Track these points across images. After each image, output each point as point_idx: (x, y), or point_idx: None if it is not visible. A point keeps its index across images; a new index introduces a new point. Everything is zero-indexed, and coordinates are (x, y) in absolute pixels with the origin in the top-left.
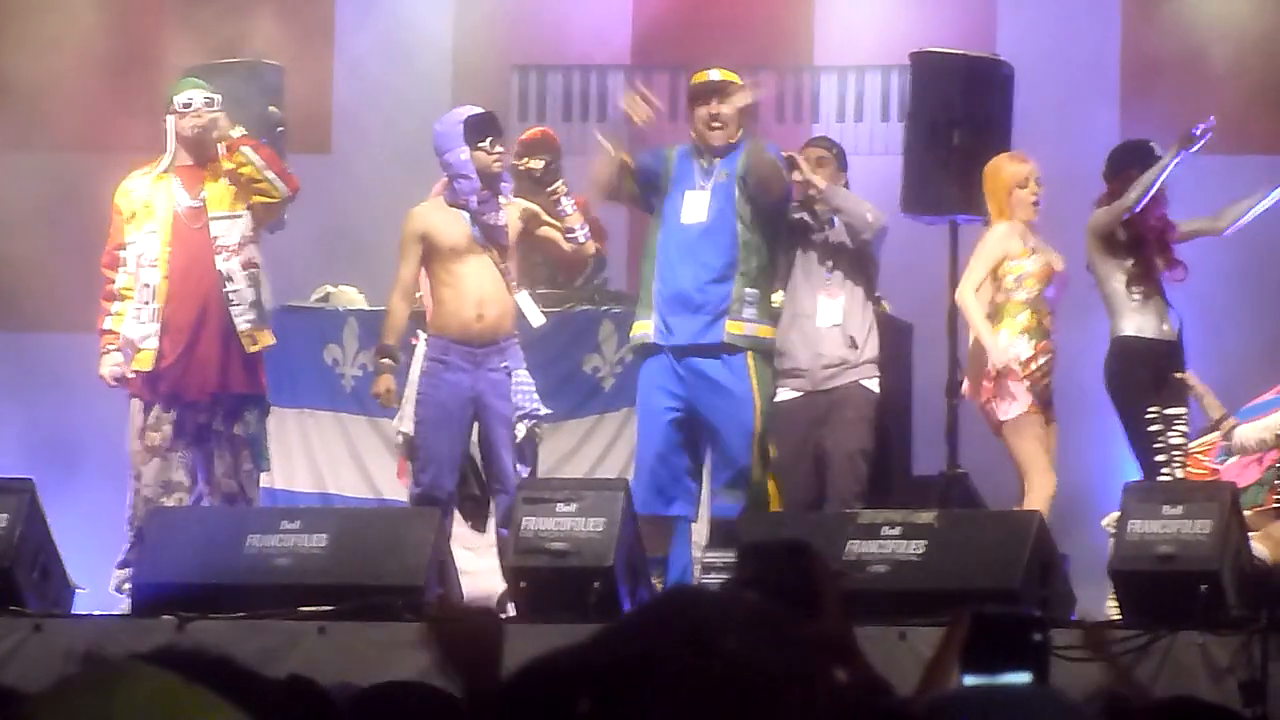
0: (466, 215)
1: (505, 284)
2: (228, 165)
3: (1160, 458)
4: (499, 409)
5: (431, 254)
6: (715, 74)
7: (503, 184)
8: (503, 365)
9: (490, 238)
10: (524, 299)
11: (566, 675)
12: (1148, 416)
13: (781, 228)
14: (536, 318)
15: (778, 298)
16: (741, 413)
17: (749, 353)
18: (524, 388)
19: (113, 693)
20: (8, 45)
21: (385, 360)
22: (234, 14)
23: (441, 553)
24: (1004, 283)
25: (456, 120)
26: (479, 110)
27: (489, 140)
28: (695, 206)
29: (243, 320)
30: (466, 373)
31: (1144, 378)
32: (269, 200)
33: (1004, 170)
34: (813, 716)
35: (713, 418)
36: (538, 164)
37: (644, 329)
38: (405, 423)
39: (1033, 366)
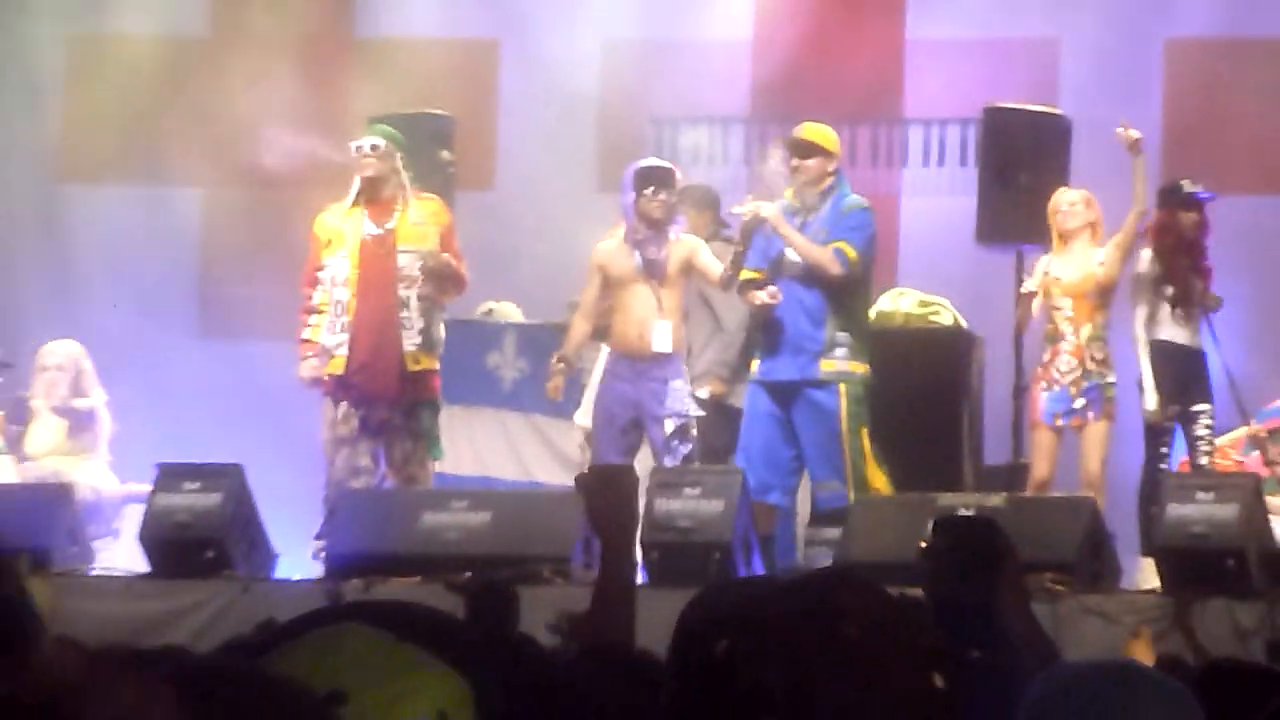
0: (636, 250)
1: (658, 309)
2: (447, 258)
3: (1160, 450)
4: (654, 412)
5: (606, 282)
6: (801, 131)
7: (674, 223)
8: (661, 376)
9: (649, 270)
10: (660, 326)
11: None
12: (1155, 415)
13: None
14: (663, 345)
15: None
16: (829, 424)
17: (840, 384)
18: (676, 392)
19: (340, 648)
20: (222, 96)
21: (559, 365)
22: (413, 69)
23: (586, 528)
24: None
25: (632, 168)
26: (649, 163)
27: (650, 190)
28: (793, 262)
29: (409, 343)
30: (630, 383)
31: (1171, 379)
32: (451, 292)
33: (1052, 199)
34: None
35: (803, 432)
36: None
37: (754, 366)
38: (584, 417)
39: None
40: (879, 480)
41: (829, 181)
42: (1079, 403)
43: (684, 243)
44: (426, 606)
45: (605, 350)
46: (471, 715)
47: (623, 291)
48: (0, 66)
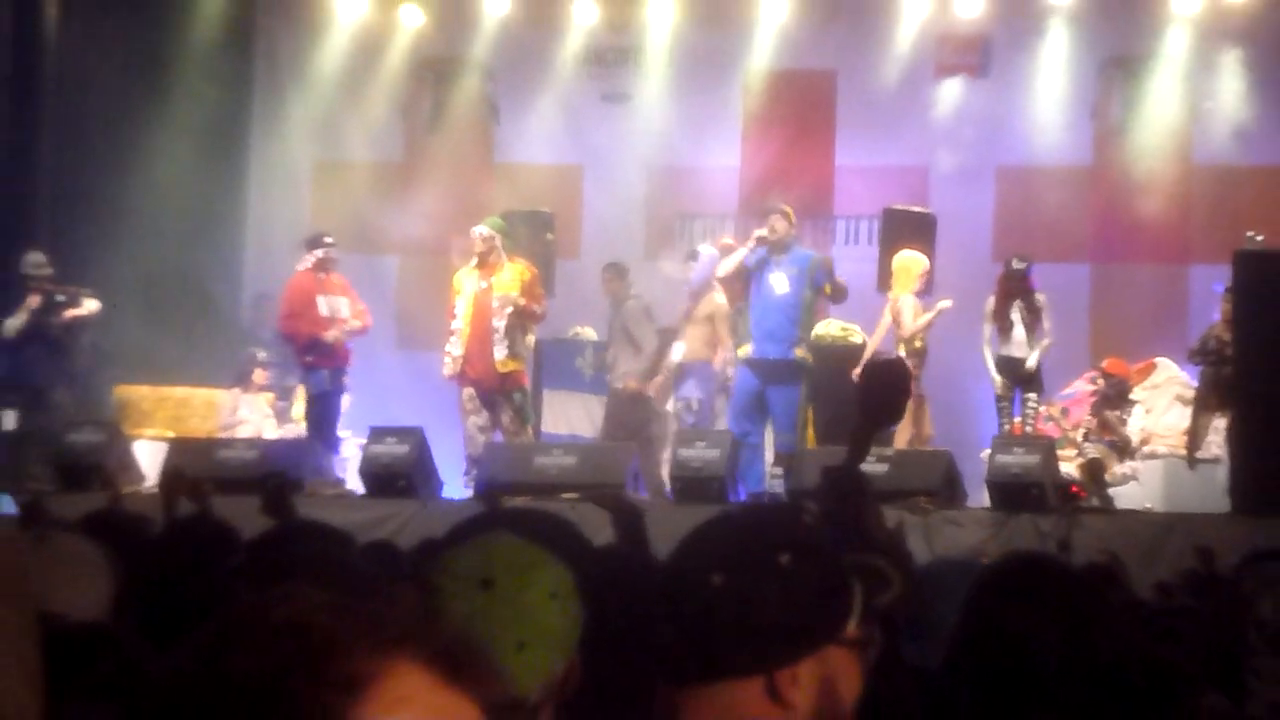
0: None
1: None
2: (520, 299)
3: (1004, 420)
4: (684, 395)
5: None
6: (780, 207)
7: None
8: (687, 374)
9: (687, 311)
10: (676, 345)
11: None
12: (998, 396)
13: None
14: (675, 356)
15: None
16: (792, 395)
17: (804, 371)
18: (688, 385)
19: (492, 548)
20: (411, 197)
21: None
22: (530, 182)
23: (636, 466)
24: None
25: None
26: (698, 246)
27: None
28: (780, 282)
29: (499, 353)
30: (680, 378)
31: (1002, 378)
32: (529, 322)
33: (916, 265)
34: None
35: (773, 397)
36: None
37: (747, 350)
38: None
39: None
40: (810, 437)
41: (790, 239)
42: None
43: (712, 300)
44: (549, 515)
45: None
46: (574, 595)
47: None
48: (272, 180)
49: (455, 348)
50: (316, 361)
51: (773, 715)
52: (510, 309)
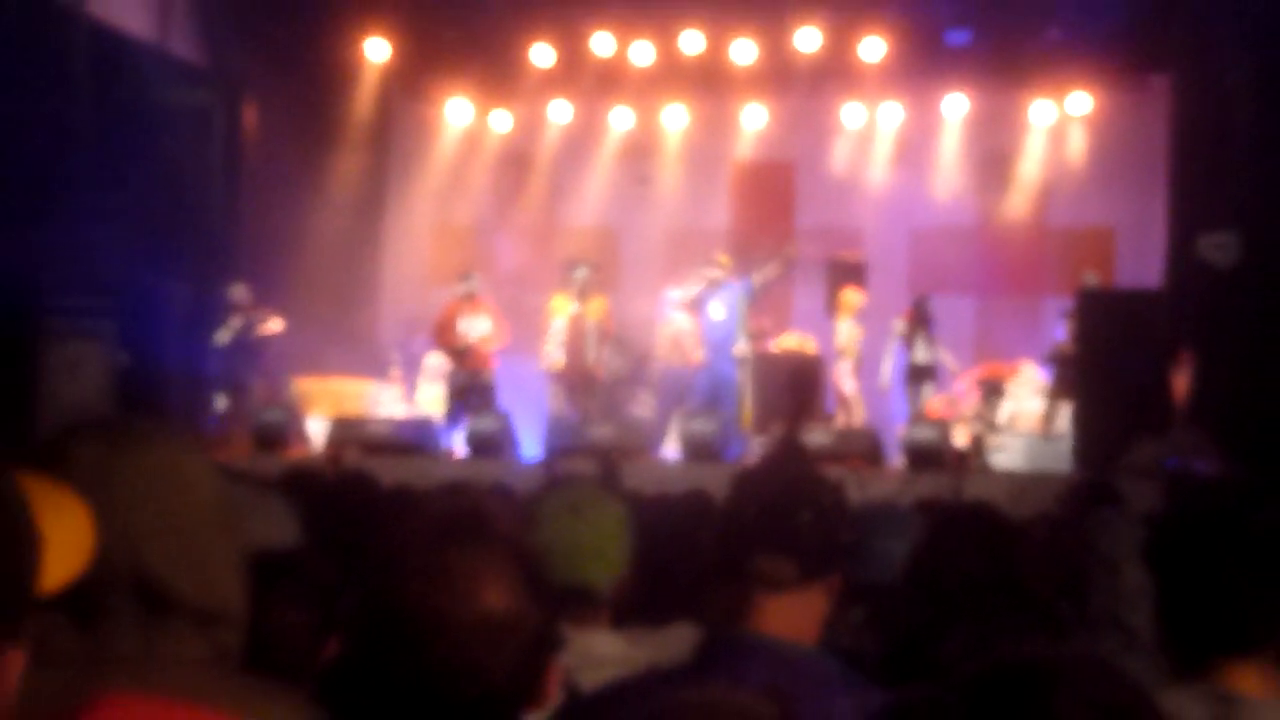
0: None
1: None
2: (604, 323)
3: (909, 405)
4: None
5: None
6: (722, 259)
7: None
8: None
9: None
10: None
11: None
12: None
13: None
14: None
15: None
16: (732, 388)
17: (739, 362)
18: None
19: (575, 495)
20: (499, 246)
21: None
22: (583, 239)
23: (661, 433)
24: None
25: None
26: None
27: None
28: (717, 310)
29: (589, 358)
30: None
31: (911, 375)
32: (606, 337)
33: (854, 300)
34: None
35: (720, 390)
36: None
37: (701, 356)
38: None
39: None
40: (747, 416)
41: (725, 280)
42: None
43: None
44: (599, 476)
45: None
46: (627, 527)
47: None
48: (401, 236)
49: (556, 352)
50: (455, 364)
51: (825, 608)
52: (597, 329)
